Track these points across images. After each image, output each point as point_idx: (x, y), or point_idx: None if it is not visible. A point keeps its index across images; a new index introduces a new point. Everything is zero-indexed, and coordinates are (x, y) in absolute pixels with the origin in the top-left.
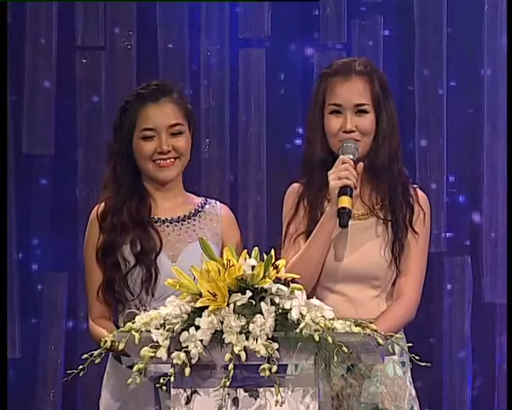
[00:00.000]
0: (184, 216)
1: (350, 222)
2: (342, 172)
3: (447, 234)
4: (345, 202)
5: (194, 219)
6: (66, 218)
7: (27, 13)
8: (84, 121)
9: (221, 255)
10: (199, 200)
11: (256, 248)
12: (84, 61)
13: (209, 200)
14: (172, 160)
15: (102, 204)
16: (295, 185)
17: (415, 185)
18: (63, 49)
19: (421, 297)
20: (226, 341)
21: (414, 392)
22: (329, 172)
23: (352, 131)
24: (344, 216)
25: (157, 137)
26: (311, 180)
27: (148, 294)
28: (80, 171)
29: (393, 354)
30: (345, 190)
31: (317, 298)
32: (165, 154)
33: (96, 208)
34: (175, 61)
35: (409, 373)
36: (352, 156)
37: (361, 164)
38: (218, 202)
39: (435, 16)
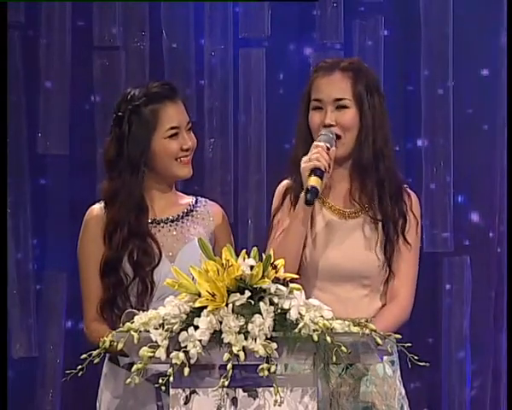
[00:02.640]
0: (178, 216)
1: (340, 220)
2: (314, 155)
3: (447, 234)
4: (313, 181)
5: (187, 219)
6: (65, 218)
7: (41, 13)
8: (91, 122)
9: (214, 253)
10: (189, 199)
11: (255, 248)
12: (99, 62)
13: (199, 198)
14: (190, 156)
15: (106, 215)
16: (284, 182)
17: (405, 185)
18: (78, 50)
19: (416, 297)
20: (225, 341)
21: (403, 391)
22: (303, 158)
23: (332, 126)
24: (311, 193)
25: (180, 135)
26: (296, 177)
27: (144, 305)
28: (84, 172)
29: (391, 354)
30: (315, 172)
31: (307, 298)
32: (188, 151)
33: (93, 213)
34: (180, 61)
35: (398, 372)
36: (328, 144)
37: (334, 149)
38: (207, 201)
39: (437, 16)
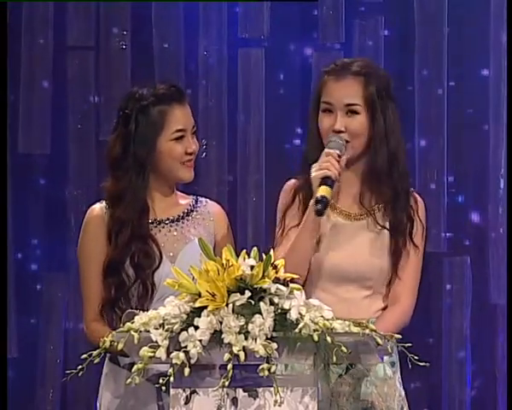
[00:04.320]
0: (178, 217)
1: (345, 222)
2: (324, 164)
3: (447, 234)
4: (323, 191)
5: (187, 219)
6: (65, 218)
7: (24, 13)
8: (81, 121)
9: (214, 253)
10: (190, 199)
11: (255, 248)
12: (76, 61)
13: (199, 198)
14: (194, 160)
15: (109, 215)
16: (291, 181)
17: (411, 189)
18: (60, 49)
19: (418, 299)
20: (225, 341)
21: (403, 392)
22: (313, 164)
23: (342, 132)
24: (321, 204)
25: (185, 138)
26: (306, 177)
27: (144, 308)
28: (80, 171)
29: (391, 354)
30: (325, 181)
31: (309, 298)
32: (192, 154)
33: (94, 213)
34: (171, 61)
35: (398, 373)
36: (338, 151)
37: (344, 158)
38: (208, 201)
39: (435, 16)
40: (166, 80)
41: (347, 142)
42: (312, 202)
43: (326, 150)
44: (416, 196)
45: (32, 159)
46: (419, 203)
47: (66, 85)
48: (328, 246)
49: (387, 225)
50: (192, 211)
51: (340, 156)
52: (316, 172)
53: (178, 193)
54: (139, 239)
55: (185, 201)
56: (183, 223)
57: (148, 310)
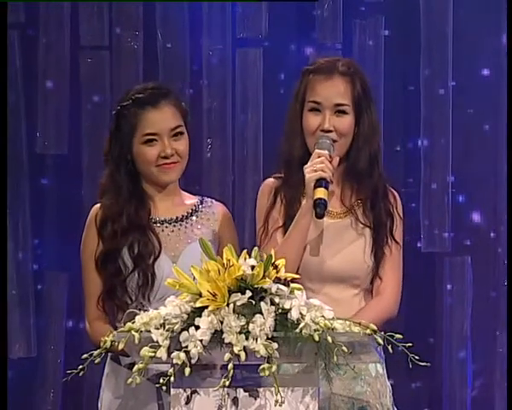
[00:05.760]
0: (182, 216)
1: (328, 221)
2: (318, 165)
3: (447, 234)
4: (321, 193)
5: (191, 219)
6: (66, 218)
7: (40, 13)
8: (90, 122)
9: (218, 254)
10: (195, 199)
11: (256, 248)
12: (88, 60)
13: (205, 199)
14: (175, 162)
15: (100, 210)
16: (270, 180)
17: (386, 184)
18: (74, 49)
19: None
20: (226, 341)
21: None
22: (305, 166)
23: (330, 131)
24: (320, 206)
25: (159, 142)
26: (288, 176)
27: (145, 298)
28: (84, 171)
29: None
30: (320, 183)
31: None
32: (168, 158)
33: (94, 212)
34: (176, 61)
35: (385, 370)
36: (327, 152)
37: (337, 158)
38: (213, 201)
39: (437, 16)
40: (156, 81)
41: (334, 141)
42: (308, 204)
43: (317, 151)
44: (392, 190)
45: (34, 159)
46: (396, 198)
47: (78, 85)
48: (314, 246)
49: (369, 222)
50: (197, 211)
51: (330, 157)
52: (310, 173)
53: (184, 193)
54: (137, 230)
55: (190, 201)
56: (187, 223)
57: (149, 300)
